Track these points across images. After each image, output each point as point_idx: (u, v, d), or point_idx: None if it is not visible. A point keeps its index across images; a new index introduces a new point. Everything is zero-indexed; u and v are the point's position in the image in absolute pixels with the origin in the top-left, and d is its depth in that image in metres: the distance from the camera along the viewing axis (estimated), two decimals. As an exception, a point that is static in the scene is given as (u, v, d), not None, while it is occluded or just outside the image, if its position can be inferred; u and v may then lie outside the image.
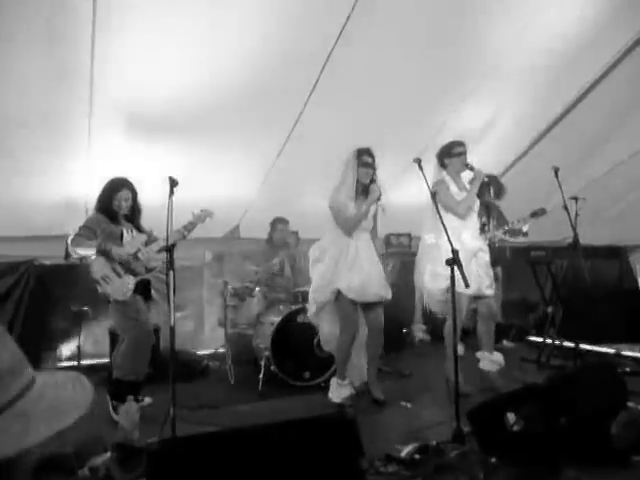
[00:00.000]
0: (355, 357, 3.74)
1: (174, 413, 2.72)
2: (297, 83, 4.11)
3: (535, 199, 4.95)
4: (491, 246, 4.09)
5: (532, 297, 5.89)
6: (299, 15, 3.57)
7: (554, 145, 5.26)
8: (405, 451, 2.60)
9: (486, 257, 3.89)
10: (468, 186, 3.88)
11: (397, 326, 5.07)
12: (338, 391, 3.62)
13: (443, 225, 3.07)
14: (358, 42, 3.82)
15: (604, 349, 4.97)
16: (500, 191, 4.05)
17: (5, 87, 3.50)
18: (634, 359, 4.64)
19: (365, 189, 3.57)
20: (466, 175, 3.95)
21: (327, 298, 3.56)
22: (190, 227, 3.65)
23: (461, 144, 3.90)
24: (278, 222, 5.00)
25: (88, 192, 4.24)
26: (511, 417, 2.39)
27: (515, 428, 2.37)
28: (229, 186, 4.71)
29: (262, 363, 4.18)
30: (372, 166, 3.56)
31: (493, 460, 2.37)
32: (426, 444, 2.66)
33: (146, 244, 3.67)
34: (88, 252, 3.47)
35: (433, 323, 5.52)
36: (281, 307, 4.47)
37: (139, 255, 3.59)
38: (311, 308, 3.69)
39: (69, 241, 3.52)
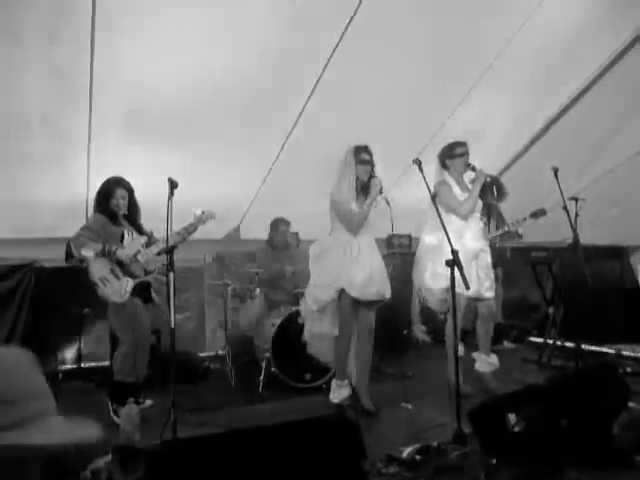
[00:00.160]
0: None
1: (175, 415, 2.73)
2: (297, 83, 4.12)
3: (535, 199, 4.95)
4: (492, 247, 4.09)
5: (533, 297, 5.89)
6: (300, 15, 3.58)
7: (553, 145, 5.26)
8: (406, 452, 2.59)
9: (487, 258, 3.89)
10: (470, 187, 3.88)
11: (398, 327, 5.06)
12: (337, 392, 3.60)
13: (443, 226, 3.07)
14: (358, 43, 3.83)
15: (605, 349, 4.97)
16: (501, 192, 4.05)
17: (6, 87, 3.50)
18: (635, 359, 4.64)
19: (365, 187, 3.52)
20: (467, 175, 3.96)
21: (331, 297, 3.47)
22: (191, 229, 3.65)
23: (463, 145, 3.89)
24: (280, 223, 4.99)
25: (88, 193, 4.24)
26: (512, 418, 2.39)
27: (516, 429, 2.36)
28: (229, 187, 4.71)
29: (263, 365, 4.18)
30: (371, 162, 3.52)
31: (494, 461, 2.36)
32: (427, 445, 2.65)
33: (146, 246, 3.67)
34: (91, 253, 3.47)
35: (434, 323, 5.51)
36: (282, 308, 4.47)
37: (138, 257, 3.59)
38: (311, 306, 3.57)
39: (71, 243, 3.52)
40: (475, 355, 3.96)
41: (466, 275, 3.52)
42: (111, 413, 3.47)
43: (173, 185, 2.93)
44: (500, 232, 4.17)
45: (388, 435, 3.02)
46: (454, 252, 2.92)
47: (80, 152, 4.07)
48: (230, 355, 4.52)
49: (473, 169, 3.83)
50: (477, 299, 3.83)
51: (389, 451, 2.62)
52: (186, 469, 1.87)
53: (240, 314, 4.89)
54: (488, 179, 3.90)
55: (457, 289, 3.03)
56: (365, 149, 3.52)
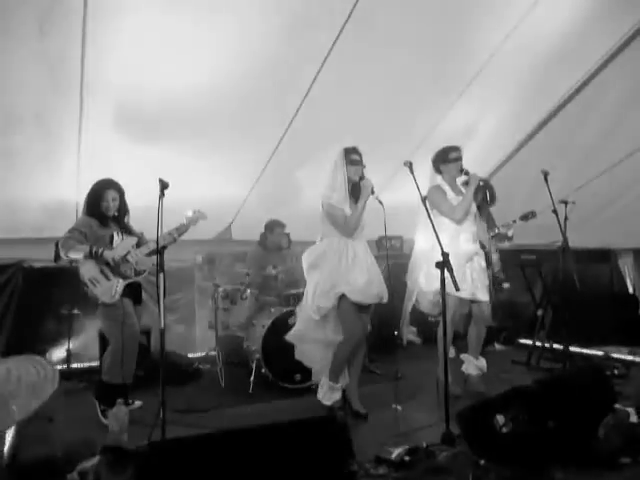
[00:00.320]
0: None
1: (164, 416, 2.72)
2: (291, 85, 4.12)
3: (525, 201, 4.99)
4: (482, 249, 4.12)
5: (522, 300, 5.93)
6: (295, 18, 3.59)
7: (543, 147, 5.30)
8: (395, 453, 2.60)
9: (482, 262, 3.90)
10: (464, 190, 3.90)
11: (389, 329, 5.07)
12: (330, 394, 3.53)
13: (434, 228, 3.09)
14: (352, 45, 3.83)
15: (593, 352, 5.02)
16: (493, 196, 4.07)
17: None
18: (622, 361, 4.69)
19: (356, 188, 3.49)
20: (459, 178, 3.97)
21: (332, 304, 3.39)
22: (182, 229, 3.65)
23: (456, 149, 3.90)
24: (275, 226, 4.98)
25: (78, 193, 4.22)
26: (500, 419, 2.40)
27: (504, 430, 2.38)
28: (221, 187, 4.70)
29: (253, 365, 4.18)
30: (360, 163, 3.49)
31: (482, 462, 2.38)
32: (416, 446, 2.67)
33: (137, 246, 3.66)
34: (79, 256, 3.46)
35: (424, 325, 5.54)
36: (272, 310, 4.47)
37: (129, 258, 3.57)
38: (313, 315, 3.46)
39: (60, 245, 3.50)
40: (464, 357, 3.98)
41: (460, 277, 3.56)
42: (99, 414, 3.45)
43: (164, 186, 2.91)
44: (490, 235, 4.21)
45: (377, 436, 3.03)
46: (444, 254, 2.94)
47: (70, 151, 4.05)
48: (220, 356, 4.51)
49: (467, 173, 3.84)
50: (472, 301, 3.85)
51: (378, 452, 2.63)
52: (175, 470, 1.86)
53: (230, 315, 4.89)
54: (481, 183, 3.92)
55: (449, 291, 3.05)
56: (354, 150, 3.50)
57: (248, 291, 4.68)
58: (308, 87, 4.12)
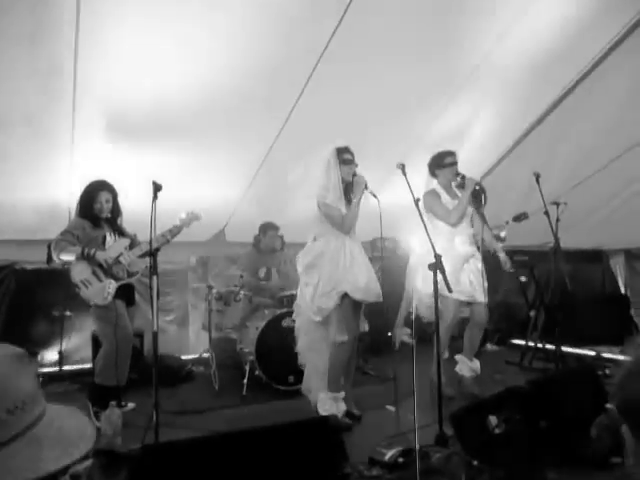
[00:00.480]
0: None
1: (157, 418, 2.71)
2: (285, 86, 4.12)
3: (516, 203, 5.02)
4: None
5: (515, 301, 5.96)
6: (288, 18, 3.58)
7: (536, 149, 5.33)
8: (389, 454, 2.61)
9: (478, 264, 3.92)
10: (459, 194, 3.93)
11: (383, 330, 5.09)
12: (335, 406, 3.32)
13: (427, 231, 3.10)
14: (344, 48, 3.84)
15: (585, 352, 5.05)
16: (485, 199, 4.10)
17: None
18: (614, 361, 4.72)
19: (349, 187, 3.49)
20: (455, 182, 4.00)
21: (335, 303, 3.33)
22: (176, 231, 3.64)
23: (452, 154, 3.93)
24: (269, 228, 4.98)
25: (71, 195, 4.20)
26: (493, 420, 2.42)
27: (497, 431, 2.40)
28: (215, 189, 4.69)
29: (247, 367, 4.18)
30: (353, 162, 3.49)
31: (476, 463, 2.39)
32: (410, 447, 2.67)
33: (129, 248, 3.65)
34: (71, 257, 3.44)
35: (418, 326, 5.55)
36: (266, 311, 4.47)
37: (121, 259, 3.56)
38: (314, 317, 3.40)
39: (52, 247, 3.49)
40: (458, 358, 4.00)
41: (456, 279, 3.59)
42: (92, 416, 3.44)
43: (157, 188, 2.91)
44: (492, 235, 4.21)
45: (371, 437, 3.03)
46: (436, 256, 2.95)
47: (63, 153, 4.03)
48: (213, 358, 4.50)
49: (462, 178, 3.87)
50: (470, 303, 3.86)
51: (371, 454, 2.64)
52: (168, 473, 1.86)
53: (224, 317, 4.88)
54: (477, 187, 3.94)
55: (447, 294, 3.07)
56: (346, 150, 3.50)
57: (242, 293, 4.68)
58: (301, 89, 4.12)
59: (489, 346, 5.71)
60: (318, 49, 3.86)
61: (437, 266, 2.93)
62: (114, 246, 3.61)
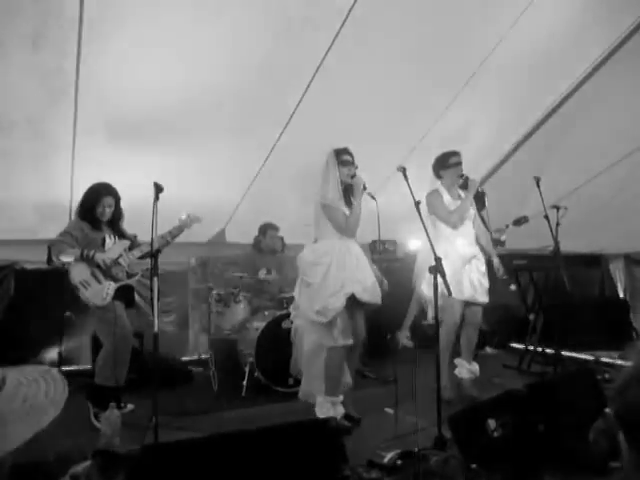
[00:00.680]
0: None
1: (157, 420, 2.71)
2: (286, 88, 4.14)
3: (517, 206, 5.02)
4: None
5: (514, 304, 5.97)
6: (290, 21, 3.61)
7: (535, 152, 5.34)
8: (387, 457, 2.62)
9: (481, 265, 3.93)
10: (463, 195, 3.95)
11: (381, 332, 5.09)
12: (333, 410, 3.26)
13: (427, 233, 3.11)
14: (345, 52, 3.86)
15: (584, 356, 5.05)
16: (483, 203, 4.13)
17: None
18: (613, 366, 4.72)
19: (348, 188, 3.46)
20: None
21: (342, 303, 3.23)
22: (176, 232, 3.65)
23: (456, 154, 3.95)
24: (269, 228, 4.97)
25: (72, 195, 4.21)
26: (491, 423, 2.42)
27: (495, 434, 2.40)
28: (215, 190, 4.70)
29: (246, 369, 4.18)
30: (352, 163, 3.45)
31: (474, 466, 2.39)
32: (408, 450, 2.67)
33: (129, 249, 3.65)
34: (70, 259, 3.45)
35: (418, 329, 5.56)
36: (266, 313, 4.47)
37: (120, 261, 3.57)
38: (318, 318, 3.26)
39: (51, 248, 3.49)
40: (457, 361, 4.00)
41: (457, 280, 3.59)
42: (92, 417, 3.44)
43: (158, 189, 2.92)
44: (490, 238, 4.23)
45: (369, 440, 3.04)
46: (437, 259, 2.96)
47: (64, 153, 4.04)
48: (213, 359, 4.51)
49: (466, 179, 3.90)
50: (470, 304, 3.88)
51: (370, 456, 2.64)
52: (167, 474, 1.86)
53: (224, 318, 4.88)
54: (480, 189, 3.96)
55: (454, 295, 3.09)
56: (345, 151, 3.47)
57: (241, 294, 4.68)
58: (303, 90, 4.13)
59: (488, 349, 5.72)
60: (320, 52, 3.88)
61: (437, 269, 2.94)
62: (113, 247, 3.61)
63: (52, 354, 4.73)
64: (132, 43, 3.45)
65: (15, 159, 3.96)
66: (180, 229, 3.66)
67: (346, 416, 3.37)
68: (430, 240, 3.07)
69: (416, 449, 2.68)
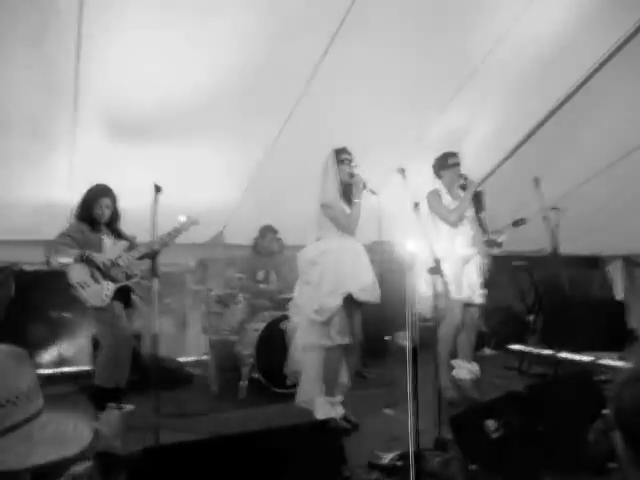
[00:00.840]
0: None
1: (156, 421, 2.71)
2: (284, 88, 4.14)
3: (515, 208, 5.03)
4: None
5: (513, 305, 5.98)
6: (289, 20, 3.60)
7: (534, 153, 5.34)
8: (387, 458, 2.61)
9: (478, 266, 3.96)
10: (462, 195, 3.98)
11: (380, 333, 5.09)
12: (333, 410, 3.23)
13: (427, 233, 3.12)
14: (345, 49, 3.86)
15: (583, 357, 5.06)
16: (482, 204, 4.15)
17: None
18: (611, 367, 4.73)
19: (348, 187, 3.47)
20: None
21: (339, 303, 3.23)
22: (174, 234, 3.65)
23: (455, 155, 4.01)
24: (268, 231, 4.98)
25: (71, 195, 4.19)
26: (492, 424, 2.42)
27: (495, 435, 2.40)
28: (214, 191, 4.70)
29: (245, 370, 4.17)
30: (351, 162, 3.47)
31: (474, 467, 2.39)
32: (408, 451, 2.67)
33: (127, 250, 3.65)
34: (69, 260, 3.44)
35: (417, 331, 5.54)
36: (265, 314, 4.47)
37: (119, 262, 3.57)
38: (315, 317, 3.26)
39: (50, 249, 3.49)
40: (455, 362, 4.00)
41: (457, 281, 3.59)
42: (91, 429, 3.42)
43: (158, 190, 2.92)
44: (484, 240, 4.24)
45: (369, 441, 3.04)
46: (436, 260, 2.97)
47: (63, 153, 4.04)
48: (212, 360, 4.50)
49: (465, 179, 3.93)
50: (468, 304, 3.89)
51: (370, 457, 2.64)
52: (168, 476, 1.86)
53: (223, 319, 4.88)
54: (479, 189, 3.99)
55: (453, 295, 3.08)
56: (344, 150, 3.49)
57: (240, 296, 4.68)
58: (302, 90, 4.13)
59: (487, 351, 5.72)
60: (318, 51, 3.87)
61: (436, 270, 2.94)
62: (112, 249, 3.61)
63: (51, 355, 4.72)
64: (132, 43, 3.44)
65: (14, 159, 3.95)
66: (178, 232, 3.66)
67: (345, 418, 3.35)
68: (430, 241, 3.07)
69: (412, 449, 2.67)
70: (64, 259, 3.44)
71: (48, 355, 4.74)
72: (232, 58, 3.73)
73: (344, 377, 3.46)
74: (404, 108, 4.57)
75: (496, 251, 4.50)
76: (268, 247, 5.00)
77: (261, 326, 4.22)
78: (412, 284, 3.90)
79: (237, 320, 4.71)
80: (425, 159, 4.17)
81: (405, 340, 5.91)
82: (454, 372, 3.97)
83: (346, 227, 3.39)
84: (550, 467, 2.35)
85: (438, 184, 4.04)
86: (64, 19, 3.21)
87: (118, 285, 3.56)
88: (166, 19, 3.40)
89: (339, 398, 3.34)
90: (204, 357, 4.83)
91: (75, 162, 4.11)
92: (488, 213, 4.44)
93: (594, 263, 6.48)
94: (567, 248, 4.67)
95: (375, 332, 4.97)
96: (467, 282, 3.86)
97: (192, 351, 5.35)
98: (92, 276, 3.49)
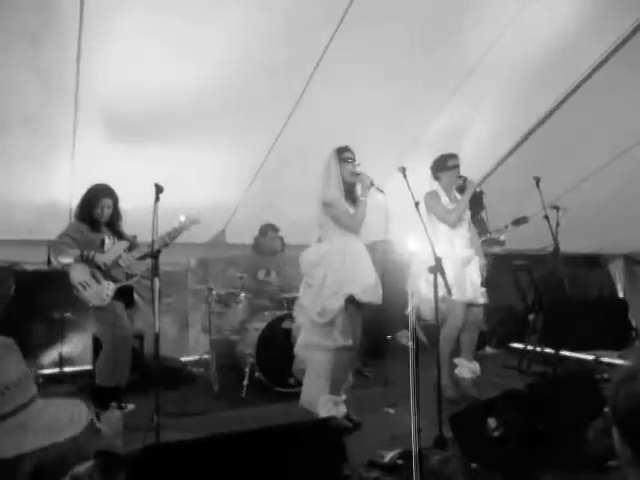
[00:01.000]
0: None
1: (158, 420, 2.72)
2: (285, 88, 4.14)
3: (516, 206, 5.03)
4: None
5: (514, 304, 5.98)
6: (289, 19, 3.61)
7: (535, 152, 5.33)
8: (388, 456, 2.62)
9: (478, 267, 3.98)
10: (459, 197, 3.99)
11: (382, 332, 5.10)
12: (336, 409, 3.25)
13: (427, 233, 3.11)
14: (343, 49, 3.86)
15: (583, 356, 5.06)
16: (482, 204, 4.16)
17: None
18: (612, 366, 4.73)
19: (351, 187, 3.45)
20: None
21: (341, 305, 3.22)
22: (174, 234, 3.65)
23: (454, 157, 3.99)
24: (269, 230, 4.98)
25: (72, 195, 4.21)
26: (492, 422, 2.43)
27: (495, 433, 2.41)
28: (215, 191, 4.71)
29: (246, 369, 4.18)
30: (354, 161, 3.43)
31: (474, 465, 2.40)
32: (409, 450, 2.67)
33: (128, 250, 3.66)
34: (69, 260, 3.45)
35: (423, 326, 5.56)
36: (266, 313, 4.47)
37: (120, 262, 3.57)
38: (318, 319, 3.26)
39: (50, 249, 3.50)
40: (457, 360, 4.01)
41: (460, 282, 3.60)
42: (93, 418, 3.44)
43: (159, 190, 2.92)
44: (483, 239, 4.26)
45: (370, 440, 3.04)
46: (437, 259, 2.96)
47: (64, 153, 4.04)
48: (214, 360, 4.51)
49: (464, 181, 3.93)
50: (470, 304, 3.90)
51: (371, 456, 2.64)
52: (169, 475, 1.87)
53: (224, 319, 4.89)
54: (478, 189, 3.99)
55: (455, 296, 3.09)
56: (347, 149, 3.45)
57: (242, 295, 4.68)
58: (301, 90, 4.14)
59: (488, 349, 5.72)
60: (318, 50, 3.88)
61: (438, 269, 2.94)
62: (113, 249, 3.62)
63: (53, 355, 4.73)
64: (132, 42, 3.45)
65: (14, 159, 3.96)
66: (179, 231, 3.67)
67: (347, 417, 3.37)
68: (430, 240, 3.07)
69: (415, 448, 2.68)
70: (65, 259, 3.45)
71: (48, 355, 4.75)
72: (232, 58, 3.74)
73: (349, 376, 3.48)
74: (403, 108, 4.57)
75: (498, 249, 4.51)
76: (269, 246, 5.00)
77: (262, 325, 4.22)
78: (414, 283, 3.92)
79: (238, 319, 4.72)
80: (423, 159, 4.16)
81: (406, 339, 5.94)
82: (456, 370, 3.98)
83: (350, 226, 3.35)
84: (550, 465, 2.36)
85: (436, 186, 4.02)
86: (65, 19, 3.22)
87: (119, 285, 3.58)
88: (166, 19, 3.41)
89: (343, 397, 3.35)
90: (205, 356, 4.83)
91: (76, 162, 4.11)
92: (489, 212, 4.46)
93: (595, 262, 6.47)
94: (568, 247, 4.67)
95: (376, 331, 4.97)
96: (470, 283, 3.88)
97: (193, 350, 5.35)
98: (93, 276, 3.50)
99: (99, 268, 3.51)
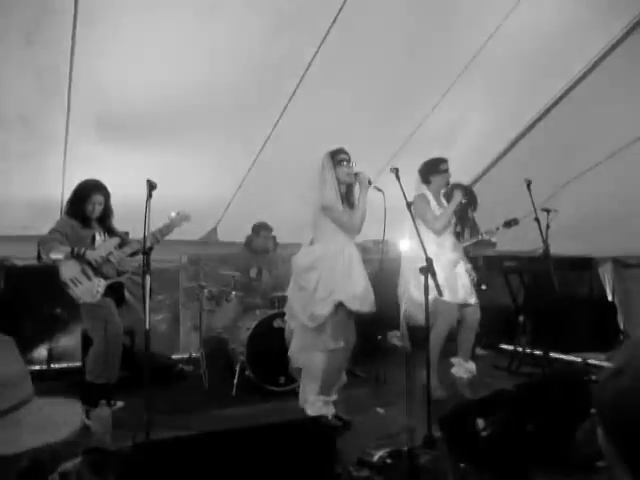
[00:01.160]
0: None
1: (148, 417, 2.71)
2: (277, 87, 4.14)
3: (507, 208, 5.05)
4: (466, 255, 4.21)
5: (504, 305, 6.00)
6: (282, 19, 3.61)
7: (526, 153, 5.37)
8: (377, 456, 2.63)
9: (466, 268, 4.03)
10: (445, 202, 4.01)
11: (372, 332, 5.10)
12: (325, 408, 3.27)
13: (419, 235, 3.12)
14: (336, 48, 3.87)
15: (573, 358, 5.10)
16: (475, 203, 4.17)
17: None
18: (600, 367, 4.77)
19: (348, 189, 3.42)
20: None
21: (329, 311, 3.21)
22: (166, 231, 3.64)
23: (445, 161, 3.97)
24: (262, 229, 4.96)
25: (64, 192, 4.19)
26: (481, 422, 2.44)
27: (484, 433, 2.42)
28: (207, 188, 4.70)
29: (237, 368, 4.18)
30: (349, 161, 3.39)
31: (463, 465, 2.42)
32: (398, 449, 2.69)
33: (119, 247, 3.64)
34: (60, 256, 3.43)
35: (411, 331, 5.57)
36: (257, 312, 4.47)
37: (111, 258, 3.56)
38: (307, 323, 3.27)
39: (40, 245, 3.48)
40: (454, 360, 4.03)
41: (452, 283, 3.62)
42: (82, 415, 3.42)
43: (152, 187, 2.91)
44: (474, 240, 4.29)
45: (360, 439, 3.05)
46: (428, 259, 2.97)
47: (56, 150, 4.02)
48: (204, 358, 4.50)
49: (451, 187, 3.96)
50: (465, 305, 3.93)
51: (361, 455, 2.65)
52: (158, 472, 1.87)
53: (215, 317, 4.88)
54: (464, 200, 3.99)
55: (448, 298, 3.10)
56: (341, 151, 3.41)
57: (233, 293, 4.67)
58: (294, 88, 4.14)
59: (478, 350, 5.74)
60: (311, 49, 3.89)
61: (428, 270, 2.95)
62: (103, 245, 3.60)
63: (42, 351, 4.70)
64: (126, 41, 3.44)
65: (8, 156, 3.93)
66: (170, 227, 3.65)
67: (337, 417, 3.37)
68: (421, 240, 3.08)
69: (406, 448, 2.69)
70: (55, 255, 3.43)
71: (38, 351, 4.72)
72: (225, 57, 3.74)
73: (343, 377, 3.48)
74: (395, 107, 4.59)
75: (489, 251, 4.53)
76: (262, 245, 4.99)
77: (253, 324, 4.22)
78: (404, 284, 3.94)
79: (229, 318, 4.71)
80: (414, 161, 4.15)
81: (397, 339, 5.95)
82: (452, 370, 4.00)
83: (351, 227, 3.32)
84: (538, 465, 2.38)
85: (424, 189, 3.99)
86: (58, 17, 3.20)
87: (109, 281, 3.56)
88: (161, 18, 3.40)
89: (334, 397, 3.36)
90: (196, 354, 4.83)
91: (68, 159, 4.10)
92: (480, 213, 4.48)
93: (584, 264, 6.51)
94: (558, 249, 4.70)
95: (368, 331, 4.97)
96: (461, 284, 3.90)
97: (184, 348, 5.34)
98: (83, 272, 3.48)
99: (90, 264, 3.49)
